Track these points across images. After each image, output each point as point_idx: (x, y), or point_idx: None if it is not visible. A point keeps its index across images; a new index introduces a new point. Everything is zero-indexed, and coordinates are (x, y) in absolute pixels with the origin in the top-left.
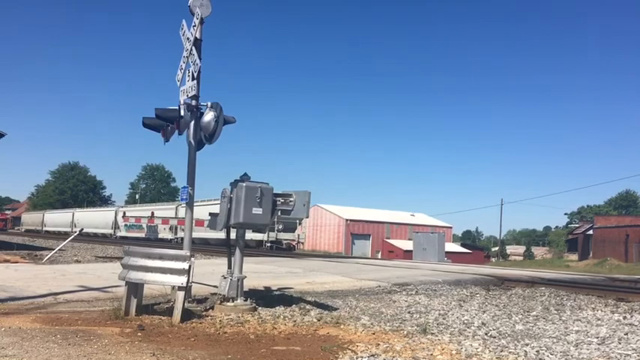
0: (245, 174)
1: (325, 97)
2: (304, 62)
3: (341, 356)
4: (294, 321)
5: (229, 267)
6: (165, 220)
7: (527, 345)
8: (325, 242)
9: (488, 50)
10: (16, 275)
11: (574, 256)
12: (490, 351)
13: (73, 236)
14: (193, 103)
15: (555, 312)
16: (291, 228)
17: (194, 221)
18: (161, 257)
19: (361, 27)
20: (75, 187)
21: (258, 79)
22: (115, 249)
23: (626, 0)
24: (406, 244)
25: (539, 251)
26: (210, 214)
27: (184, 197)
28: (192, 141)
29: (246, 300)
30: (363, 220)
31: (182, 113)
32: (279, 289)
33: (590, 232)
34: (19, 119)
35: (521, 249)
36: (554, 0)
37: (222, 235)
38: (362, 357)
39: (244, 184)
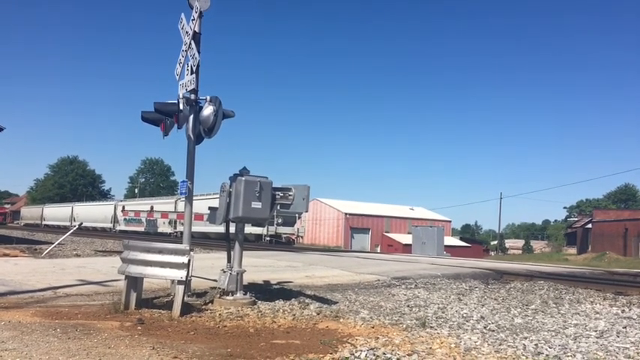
0: (244, 168)
1: (325, 92)
2: (304, 57)
3: (340, 350)
4: (294, 315)
5: (229, 261)
6: (164, 214)
7: (525, 338)
8: (324, 236)
9: (488, 46)
10: (15, 269)
11: (573, 250)
12: (489, 344)
13: (72, 230)
14: (192, 97)
15: (554, 305)
16: (290, 222)
17: (193, 215)
18: (160, 251)
19: (360, 22)
20: (74, 181)
21: (257, 73)
22: (115, 243)
23: None
24: (405, 238)
25: (538, 245)
26: (209, 208)
27: (183, 191)
28: (192, 135)
29: (245, 294)
30: (362, 214)
31: (181, 107)
32: (278, 283)
33: (589, 225)
34: (19, 113)
35: (520, 243)
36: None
37: (221, 228)
38: (361, 350)
39: (243, 178)
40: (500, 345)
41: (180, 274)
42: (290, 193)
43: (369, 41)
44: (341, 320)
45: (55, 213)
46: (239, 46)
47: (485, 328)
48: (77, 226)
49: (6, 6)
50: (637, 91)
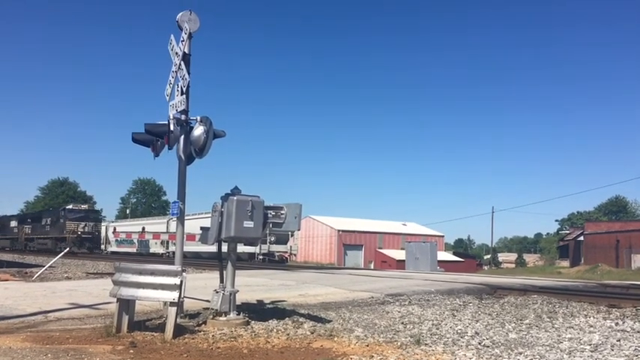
0: (236, 187)
1: (315, 110)
2: (294, 74)
3: None
4: (288, 334)
5: (221, 281)
6: (156, 235)
7: (520, 354)
8: (318, 253)
9: (478, 60)
10: (5, 294)
11: (565, 263)
12: None
13: (63, 253)
14: (183, 117)
15: (548, 320)
16: (283, 240)
17: (185, 235)
18: (152, 273)
19: (349, 40)
20: (65, 203)
21: (247, 93)
22: (106, 265)
23: (611, 10)
24: (399, 254)
25: (531, 258)
26: (201, 228)
27: (175, 212)
28: (182, 155)
29: (238, 314)
30: (355, 230)
31: (172, 128)
32: (272, 303)
33: (581, 238)
34: (8, 135)
35: (513, 256)
36: (539, 11)
37: (214, 248)
38: None
39: (235, 198)
40: None
41: (173, 295)
42: (282, 212)
43: (359, 58)
44: (335, 339)
45: None
46: (228, 65)
47: (479, 344)
48: (68, 249)
49: None
50: (627, 103)
